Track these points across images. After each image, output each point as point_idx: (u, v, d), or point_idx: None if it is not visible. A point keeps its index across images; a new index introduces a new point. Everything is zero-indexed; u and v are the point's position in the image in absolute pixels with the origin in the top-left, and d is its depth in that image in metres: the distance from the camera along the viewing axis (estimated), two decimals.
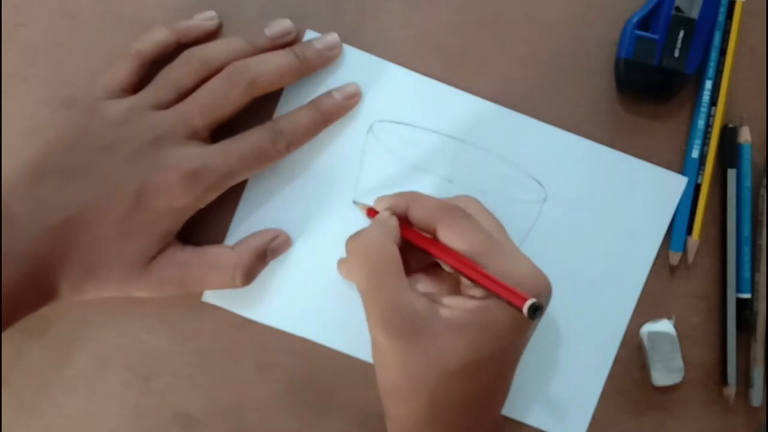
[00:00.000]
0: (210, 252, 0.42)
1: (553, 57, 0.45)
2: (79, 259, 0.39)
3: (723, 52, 0.44)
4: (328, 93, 0.43)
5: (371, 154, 0.44)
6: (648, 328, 0.44)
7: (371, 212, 0.42)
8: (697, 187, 0.44)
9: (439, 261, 0.39)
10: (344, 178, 0.44)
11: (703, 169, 0.44)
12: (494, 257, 0.37)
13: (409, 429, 0.38)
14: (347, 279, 0.43)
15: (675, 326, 0.43)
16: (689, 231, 0.44)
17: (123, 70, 0.42)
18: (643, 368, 0.44)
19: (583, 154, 0.44)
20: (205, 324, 0.44)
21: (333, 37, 0.43)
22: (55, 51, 0.44)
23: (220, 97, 0.40)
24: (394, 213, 0.40)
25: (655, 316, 0.44)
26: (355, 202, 0.43)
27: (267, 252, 0.43)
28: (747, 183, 0.44)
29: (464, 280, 0.38)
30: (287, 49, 0.42)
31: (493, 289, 0.35)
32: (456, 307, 0.37)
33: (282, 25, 0.43)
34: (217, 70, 0.41)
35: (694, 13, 0.43)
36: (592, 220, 0.44)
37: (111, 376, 0.44)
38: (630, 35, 0.43)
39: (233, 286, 0.42)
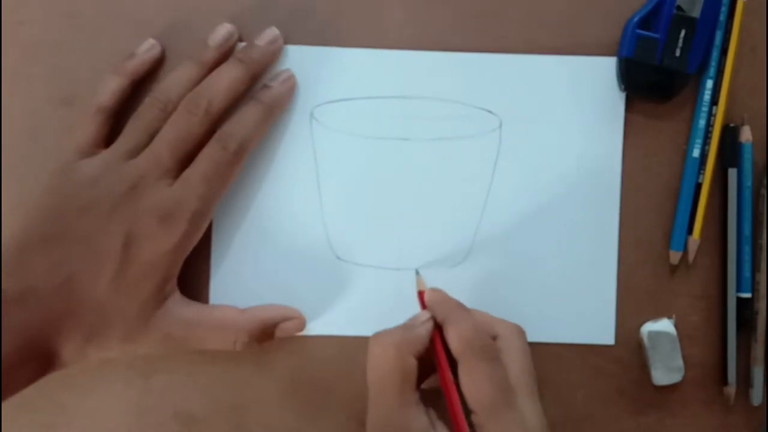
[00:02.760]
0: (218, 313, 0.42)
1: (554, 56, 0.44)
2: (78, 323, 0.39)
3: (724, 51, 0.44)
4: (263, 84, 0.43)
5: (321, 141, 0.44)
6: (648, 327, 0.44)
7: (421, 295, 0.41)
8: (698, 187, 0.44)
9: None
10: (303, 170, 0.44)
11: (704, 169, 0.44)
12: (496, 419, 0.36)
13: None
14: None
15: (675, 325, 0.43)
16: (690, 230, 0.44)
17: (90, 127, 0.42)
18: (644, 367, 0.44)
19: (525, 69, 0.44)
20: None
21: (272, 30, 0.43)
22: (56, 50, 0.44)
23: (184, 130, 0.40)
24: (432, 318, 0.39)
25: (656, 316, 0.44)
26: (417, 272, 0.42)
27: (277, 330, 0.43)
28: (748, 182, 0.44)
29: (472, 418, 0.37)
30: (232, 59, 0.42)
31: None
32: None
33: (222, 30, 0.43)
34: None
35: (696, 13, 0.43)
36: (552, 129, 0.44)
37: (111, 374, 0.44)
38: (631, 34, 0.43)
39: (232, 350, 0.42)
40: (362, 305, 0.44)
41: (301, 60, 0.44)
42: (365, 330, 0.43)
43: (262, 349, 0.44)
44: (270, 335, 0.43)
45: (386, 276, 0.44)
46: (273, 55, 0.43)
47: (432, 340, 0.39)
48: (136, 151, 0.41)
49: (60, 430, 0.44)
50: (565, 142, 0.44)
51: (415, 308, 0.41)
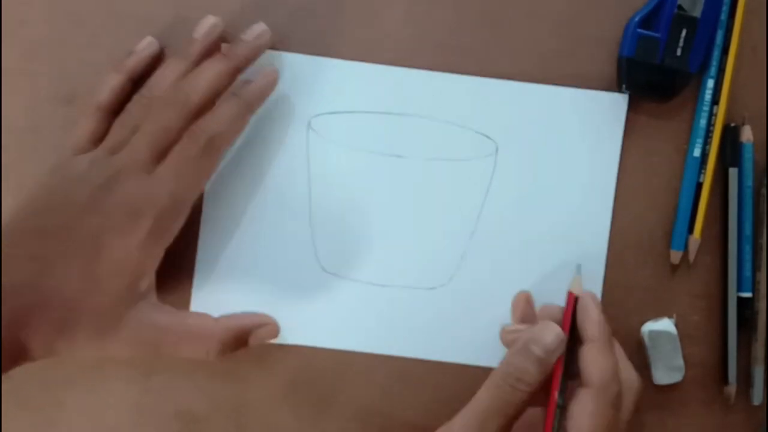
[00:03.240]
0: (192, 320, 0.42)
1: (555, 56, 0.44)
2: (48, 317, 0.38)
3: (725, 50, 0.44)
4: (245, 80, 0.42)
5: (316, 151, 0.44)
6: (649, 326, 0.44)
7: (570, 296, 0.39)
8: (699, 186, 0.44)
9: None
10: (296, 178, 0.44)
11: (705, 168, 0.44)
12: None
13: None
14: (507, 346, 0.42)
15: (676, 325, 0.43)
16: (690, 230, 0.44)
17: (88, 125, 0.42)
18: (644, 367, 0.44)
19: (525, 97, 0.44)
20: None
21: (259, 25, 0.43)
22: (57, 48, 0.44)
23: (162, 123, 0.40)
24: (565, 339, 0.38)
25: (656, 315, 0.44)
26: (577, 270, 0.40)
27: (251, 337, 0.42)
28: (748, 182, 0.44)
29: None
30: (216, 55, 0.42)
31: None
32: None
33: (207, 22, 0.42)
34: None
35: (697, 12, 0.43)
36: (549, 159, 0.44)
37: (112, 373, 0.44)
38: (632, 34, 0.43)
39: (205, 358, 0.41)
40: (345, 319, 0.44)
41: (300, 69, 0.44)
42: (345, 344, 0.44)
43: (263, 347, 0.44)
44: (243, 343, 0.42)
45: (370, 291, 0.44)
46: (259, 49, 0.43)
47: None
48: (120, 147, 0.41)
49: (60, 429, 0.44)
50: (560, 174, 0.44)
51: (399, 325, 0.42)
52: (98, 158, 0.41)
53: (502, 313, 0.44)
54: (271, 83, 0.43)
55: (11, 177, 0.44)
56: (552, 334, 0.38)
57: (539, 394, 0.37)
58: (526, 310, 0.43)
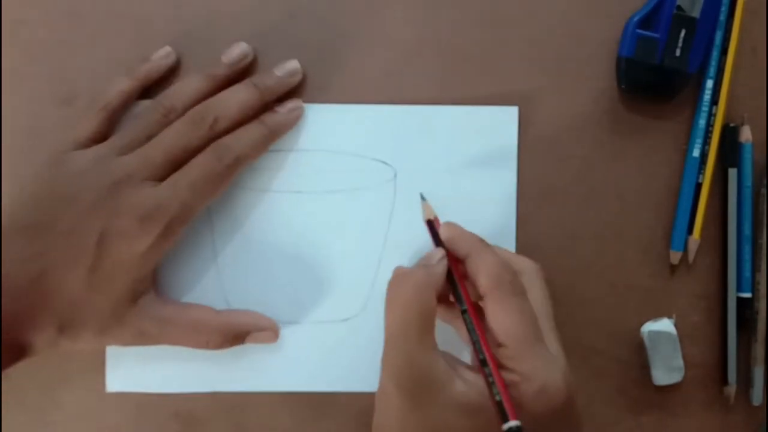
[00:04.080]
0: (193, 312, 0.42)
1: (554, 56, 0.45)
2: (51, 315, 0.39)
3: (724, 51, 0.44)
4: (272, 109, 0.43)
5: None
6: (648, 327, 0.44)
7: (430, 224, 0.40)
8: (698, 187, 0.44)
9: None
10: (198, 222, 0.43)
11: (704, 169, 0.44)
12: (528, 352, 0.36)
13: None
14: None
15: (675, 325, 0.43)
16: (690, 230, 0.44)
17: (92, 123, 0.42)
18: (644, 367, 0.44)
19: (419, 120, 0.44)
20: None
21: (293, 63, 0.43)
22: (57, 49, 0.44)
23: (184, 138, 0.40)
24: (448, 254, 0.38)
25: (656, 315, 0.44)
26: (422, 198, 0.41)
27: (248, 337, 0.43)
28: (748, 182, 0.44)
29: (501, 352, 0.36)
30: (246, 82, 0.42)
31: (492, 382, 0.35)
32: (472, 384, 0.36)
33: (238, 49, 0.43)
34: (183, 113, 0.41)
35: (696, 12, 0.43)
36: (448, 178, 0.44)
37: None
38: (631, 34, 0.43)
39: (204, 348, 0.42)
40: (259, 359, 0.44)
41: None
42: (262, 384, 0.44)
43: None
44: (240, 340, 0.43)
45: (285, 329, 0.44)
46: (288, 87, 0.43)
47: (449, 276, 0.38)
48: (129, 149, 0.40)
49: (60, 429, 0.44)
50: (461, 191, 0.44)
51: (315, 359, 0.43)
52: (104, 156, 0.40)
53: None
54: (297, 117, 0.43)
55: (11, 178, 0.44)
56: (437, 251, 0.38)
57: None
58: None
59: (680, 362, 0.43)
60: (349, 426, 0.44)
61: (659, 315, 0.44)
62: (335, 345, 0.44)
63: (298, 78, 0.43)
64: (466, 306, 0.37)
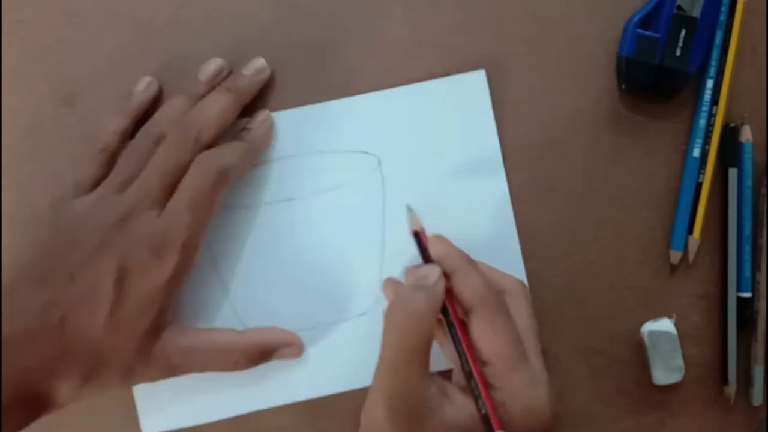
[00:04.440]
0: (218, 337, 0.42)
1: (554, 56, 0.45)
2: (74, 365, 0.38)
3: (724, 51, 0.44)
4: (243, 127, 0.43)
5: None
6: (648, 327, 0.44)
7: (417, 235, 0.39)
8: (698, 186, 0.44)
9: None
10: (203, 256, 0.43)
11: (704, 168, 0.44)
12: (513, 371, 0.36)
13: None
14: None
15: (676, 325, 0.43)
16: (690, 230, 0.44)
17: (91, 168, 0.41)
18: (644, 367, 0.44)
19: (390, 103, 0.44)
20: None
21: (258, 60, 0.43)
22: (57, 48, 0.44)
23: (173, 159, 0.40)
24: (443, 274, 0.38)
25: (656, 315, 0.44)
26: (409, 209, 0.40)
27: (275, 354, 0.42)
28: (748, 182, 0.44)
29: (487, 370, 0.37)
30: (219, 88, 0.42)
31: (485, 403, 0.35)
32: (461, 407, 0.36)
33: (213, 65, 0.43)
34: None
35: (696, 12, 0.43)
36: (432, 154, 0.44)
37: None
38: (631, 34, 0.43)
39: (232, 370, 0.42)
40: (287, 372, 0.44)
41: None
42: (293, 396, 0.44)
43: None
44: (267, 358, 0.42)
45: (302, 337, 0.44)
46: (259, 85, 0.43)
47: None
48: (127, 185, 0.40)
49: (60, 429, 0.44)
50: (446, 164, 0.44)
51: (341, 364, 0.43)
52: (104, 197, 0.40)
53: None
54: (269, 129, 0.43)
55: (11, 178, 0.44)
56: (433, 269, 0.38)
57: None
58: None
59: (680, 362, 0.43)
60: (349, 426, 0.44)
61: (659, 315, 0.44)
62: (359, 340, 0.44)
63: (266, 74, 0.43)
64: (453, 321, 0.37)
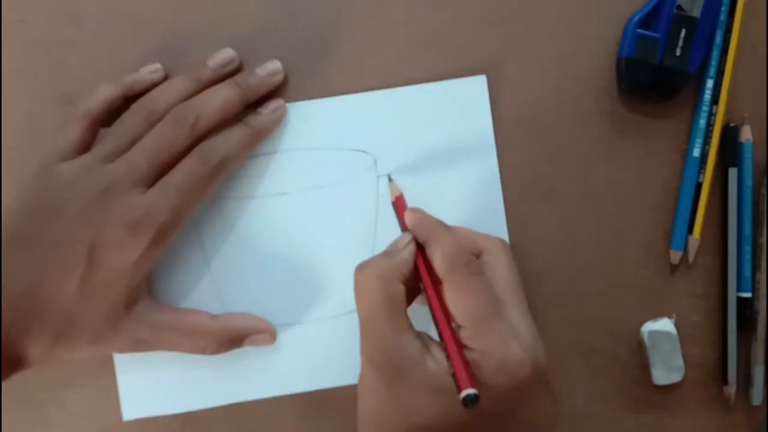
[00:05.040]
0: (190, 318, 0.42)
1: (555, 56, 0.45)
2: (46, 326, 0.39)
3: (724, 50, 0.44)
4: (255, 111, 0.43)
5: (199, 208, 0.42)
6: (648, 326, 0.44)
7: (398, 201, 0.41)
8: (698, 186, 0.44)
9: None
10: (187, 236, 0.43)
11: (704, 168, 0.44)
12: (485, 329, 0.36)
13: None
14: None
15: (675, 325, 0.43)
16: (690, 230, 0.44)
17: (74, 131, 0.41)
18: (644, 367, 0.44)
19: (389, 103, 0.44)
20: None
21: (275, 63, 0.43)
22: (57, 48, 0.44)
23: (167, 140, 0.40)
24: (413, 239, 0.39)
25: (656, 315, 0.44)
26: (390, 179, 0.42)
27: (246, 341, 0.43)
28: (748, 182, 0.44)
29: (461, 332, 0.37)
30: (229, 81, 0.42)
31: (452, 361, 0.36)
32: (441, 362, 0.36)
33: (224, 54, 0.43)
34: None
35: (696, 12, 0.43)
36: (428, 156, 0.44)
37: (111, 373, 0.44)
38: (631, 34, 0.43)
39: (201, 353, 0.42)
40: (269, 365, 0.44)
41: None
42: (275, 389, 0.44)
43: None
44: (238, 344, 0.43)
45: (284, 331, 0.44)
46: (270, 86, 0.43)
47: (415, 261, 0.39)
48: (114, 156, 0.40)
49: (60, 429, 0.44)
50: (442, 167, 0.44)
51: (323, 360, 0.43)
52: (90, 165, 0.40)
53: (421, 315, 0.44)
54: (280, 117, 0.43)
55: (11, 178, 0.44)
56: (404, 237, 0.39)
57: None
58: None
59: (680, 362, 0.43)
60: (349, 426, 0.44)
61: (659, 315, 0.44)
62: (342, 339, 0.44)
63: (279, 78, 0.43)
64: (424, 286, 0.38)
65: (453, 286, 0.37)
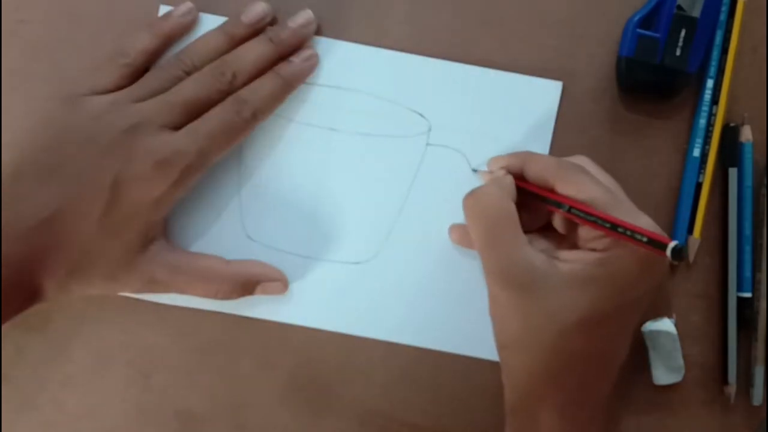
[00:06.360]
0: (204, 261, 0.42)
1: (555, 55, 0.45)
2: (62, 258, 0.39)
3: (724, 50, 0.44)
4: (287, 59, 0.43)
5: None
6: (649, 326, 0.44)
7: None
8: (699, 186, 0.44)
9: (555, 219, 0.40)
10: (230, 157, 0.43)
11: (705, 168, 0.44)
12: (616, 211, 0.37)
13: (525, 383, 0.39)
14: (459, 243, 0.44)
15: (676, 325, 0.43)
16: (690, 230, 0.44)
17: (113, 75, 0.42)
18: (644, 367, 0.44)
19: (462, 79, 0.44)
20: (205, 320, 0.44)
21: (307, 13, 0.43)
22: (57, 48, 0.44)
23: (204, 92, 0.41)
24: (509, 172, 0.41)
25: (656, 315, 0.44)
26: (474, 171, 0.43)
27: (258, 288, 0.43)
28: (748, 182, 0.44)
29: (583, 234, 0.38)
30: (261, 36, 0.42)
31: (631, 233, 0.35)
32: (576, 260, 0.37)
33: (258, 8, 0.43)
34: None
35: (696, 12, 0.43)
36: (480, 142, 0.44)
37: (111, 373, 0.44)
38: (632, 34, 0.43)
39: (213, 297, 0.42)
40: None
41: None
42: (262, 312, 0.44)
43: (263, 347, 0.44)
44: (250, 291, 0.43)
45: (294, 261, 0.44)
46: (304, 38, 0.43)
47: (519, 184, 0.40)
48: (147, 97, 0.40)
49: (60, 429, 0.44)
50: (487, 156, 0.44)
51: (320, 297, 0.44)
52: (121, 101, 0.40)
53: (426, 292, 0.44)
54: (312, 66, 0.43)
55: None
56: (498, 171, 0.42)
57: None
58: None
59: (680, 362, 0.43)
60: (349, 425, 0.44)
61: (659, 314, 0.44)
62: (343, 287, 0.44)
63: (312, 28, 0.43)
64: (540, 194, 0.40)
65: (569, 182, 0.38)
